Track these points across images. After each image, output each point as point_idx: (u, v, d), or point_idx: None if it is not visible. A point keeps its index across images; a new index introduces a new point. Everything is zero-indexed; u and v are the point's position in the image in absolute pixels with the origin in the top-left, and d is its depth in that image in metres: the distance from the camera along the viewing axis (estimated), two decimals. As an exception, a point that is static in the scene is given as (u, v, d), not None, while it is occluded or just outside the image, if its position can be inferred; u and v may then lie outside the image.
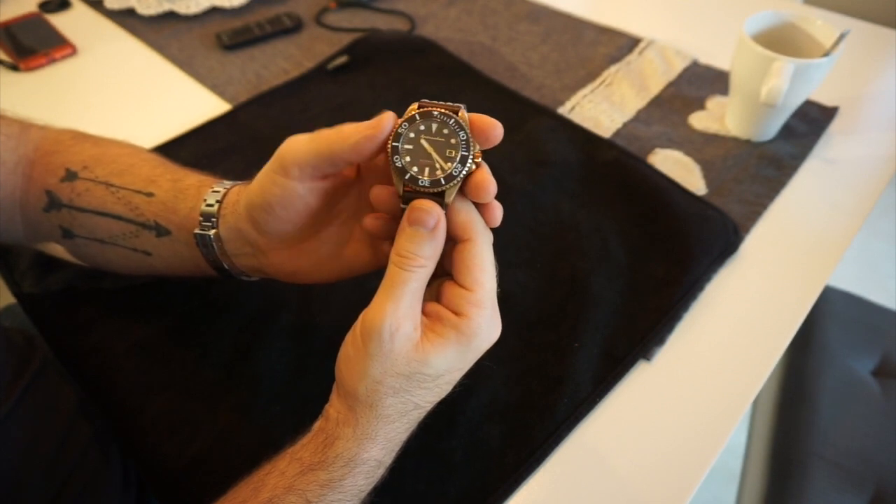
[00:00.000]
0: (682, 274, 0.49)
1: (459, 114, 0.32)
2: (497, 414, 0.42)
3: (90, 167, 0.42)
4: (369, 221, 0.35)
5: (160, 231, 0.41)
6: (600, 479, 0.40)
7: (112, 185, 0.41)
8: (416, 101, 0.33)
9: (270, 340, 0.46)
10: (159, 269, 0.43)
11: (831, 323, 0.75)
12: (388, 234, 0.35)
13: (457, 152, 0.31)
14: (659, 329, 0.47)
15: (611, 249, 0.52)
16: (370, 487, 0.33)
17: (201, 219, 0.39)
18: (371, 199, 0.34)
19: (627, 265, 0.51)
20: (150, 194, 0.41)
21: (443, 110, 0.32)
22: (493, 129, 0.32)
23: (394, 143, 0.32)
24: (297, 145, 0.34)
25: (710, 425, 0.43)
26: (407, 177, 0.31)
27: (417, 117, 0.32)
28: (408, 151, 0.31)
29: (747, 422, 0.77)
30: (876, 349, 0.74)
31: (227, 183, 0.40)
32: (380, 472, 0.34)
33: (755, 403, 0.76)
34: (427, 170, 0.31)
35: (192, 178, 0.41)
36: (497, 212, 0.33)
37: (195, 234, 0.39)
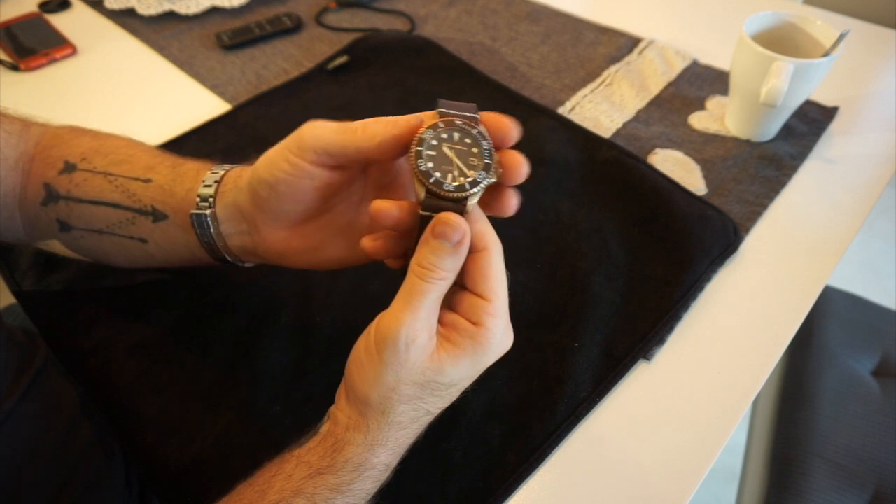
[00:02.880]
0: (682, 274, 0.49)
1: (480, 123, 0.32)
2: (497, 414, 0.42)
3: (89, 158, 0.42)
4: (368, 243, 0.35)
5: (157, 216, 0.41)
6: (600, 479, 0.40)
7: (110, 175, 0.41)
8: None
9: (270, 340, 0.46)
10: (155, 257, 0.43)
11: (831, 323, 0.75)
12: (389, 255, 0.35)
13: (480, 160, 0.31)
14: (659, 329, 0.47)
15: (611, 249, 0.52)
16: (376, 490, 0.34)
17: (198, 199, 0.38)
18: (371, 213, 0.33)
19: (627, 265, 0.51)
20: (147, 180, 0.41)
21: (467, 122, 0.32)
22: (509, 131, 0.32)
23: (417, 148, 0.32)
24: (321, 131, 0.34)
25: (710, 425, 0.43)
26: (432, 180, 0.31)
27: (441, 125, 0.32)
28: (430, 157, 0.31)
29: (747, 422, 0.77)
30: (876, 349, 0.74)
31: (227, 166, 0.40)
32: (387, 476, 0.34)
33: (755, 403, 0.76)
34: (450, 175, 0.31)
35: (192, 164, 0.41)
36: (515, 199, 0.33)
37: (191, 215, 0.38)
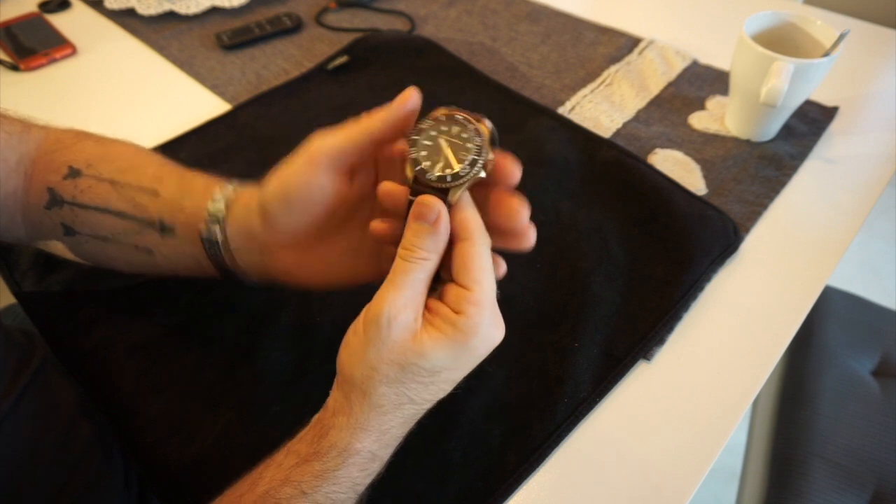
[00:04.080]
0: (682, 274, 0.49)
1: (481, 123, 0.33)
2: (497, 414, 0.42)
3: (94, 164, 0.42)
4: (376, 224, 0.36)
5: (164, 229, 0.41)
6: (600, 479, 0.40)
7: (116, 183, 0.42)
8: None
9: (271, 340, 0.46)
10: (161, 267, 0.43)
11: (831, 323, 0.75)
12: (393, 239, 0.36)
13: (469, 155, 0.33)
14: (659, 329, 0.47)
15: (611, 249, 0.52)
16: (366, 481, 0.33)
17: (208, 217, 0.39)
18: (378, 193, 0.35)
19: (627, 265, 0.51)
20: (154, 192, 0.41)
21: (467, 116, 0.33)
22: (513, 169, 0.34)
23: (414, 137, 0.33)
24: (326, 135, 0.35)
25: (710, 425, 0.43)
26: (417, 168, 0.33)
27: (443, 118, 0.34)
28: (425, 146, 0.33)
29: (747, 422, 0.77)
30: (876, 349, 0.74)
31: (235, 182, 0.41)
32: (375, 467, 0.34)
33: (755, 403, 0.76)
34: (438, 166, 0.32)
35: (199, 178, 0.42)
36: (532, 234, 0.35)
37: (200, 231, 0.39)
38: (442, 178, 0.32)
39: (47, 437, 0.40)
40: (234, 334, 0.46)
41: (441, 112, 0.34)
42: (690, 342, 0.47)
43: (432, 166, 0.32)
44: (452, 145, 0.33)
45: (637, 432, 0.42)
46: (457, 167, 0.32)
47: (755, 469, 0.69)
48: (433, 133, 0.33)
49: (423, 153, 0.33)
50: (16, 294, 0.50)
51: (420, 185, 0.33)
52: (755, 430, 0.74)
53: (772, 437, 0.69)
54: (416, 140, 0.33)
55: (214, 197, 0.39)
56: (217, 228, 0.39)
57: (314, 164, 0.35)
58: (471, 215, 0.33)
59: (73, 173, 0.42)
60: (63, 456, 0.40)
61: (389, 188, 0.35)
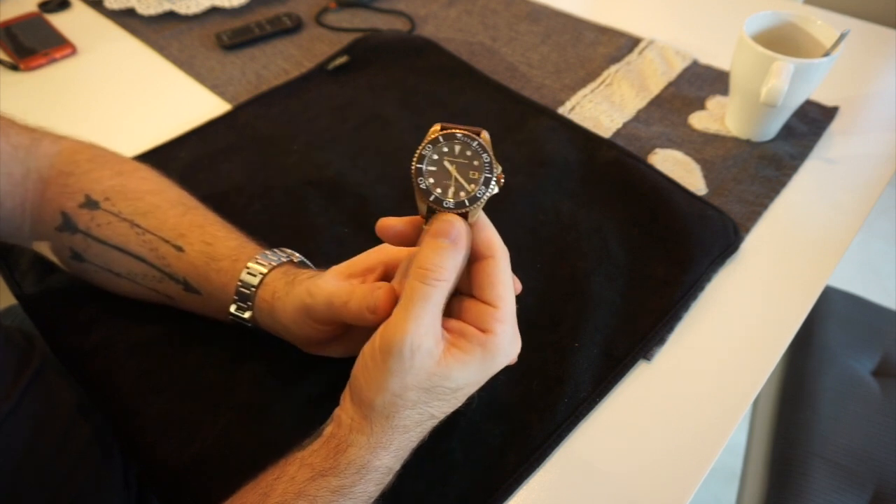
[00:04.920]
0: (682, 274, 0.49)
1: (482, 135, 0.32)
2: (497, 414, 0.42)
3: (112, 199, 0.43)
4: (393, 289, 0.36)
5: (189, 287, 0.42)
6: (600, 479, 0.40)
7: (137, 226, 0.42)
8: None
9: (271, 340, 0.46)
10: (179, 307, 0.45)
11: (831, 323, 0.75)
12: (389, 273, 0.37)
13: (480, 174, 0.32)
14: (659, 329, 0.47)
15: (611, 249, 0.52)
16: (379, 493, 0.34)
17: (236, 297, 0.41)
18: (377, 229, 0.34)
19: (627, 265, 0.51)
20: (179, 248, 0.42)
21: (466, 132, 0.32)
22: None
23: (418, 165, 0.32)
24: (319, 304, 0.37)
25: (710, 425, 0.43)
26: (432, 198, 0.32)
27: (441, 139, 0.32)
28: (431, 173, 0.32)
29: (747, 422, 0.77)
30: (876, 349, 0.74)
31: (262, 260, 0.41)
32: (389, 479, 0.34)
33: (755, 403, 0.76)
34: (451, 191, 0.32)
35: (222, 247, 0.42)
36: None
37: (230, 314, 0.41)
38: (460, 204, 0.32)
39: (47, 437, 0.40)
40: (234, 334, 0.46)
41: (436, 132, 0.32)
42: (690, 342, 0.47)
43: (445, 193, 0.32)
44: (459, 166, 0.32)
45: (637, 432, 0.42)
46: (471, 188, 0.32)
47: (755, 469, 0.69)
48: (435, 157, 0.32)
49: (431, 181, 0.32)
50: (16, 294, 0.50)
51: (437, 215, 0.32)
52: (755, 430, 0.74)
53: (772, 437, 0.69)
54: (420, 168, 0.32)
55: (242, 281, 0.40)
56: (246, 315, 0.41)
57: (323, 323, 0.38)
58: (492, 232, 0.33)
59: (90, 204, 0.42)
60: (63, 456, 0.40)
61: (389, 222, 0.34)
